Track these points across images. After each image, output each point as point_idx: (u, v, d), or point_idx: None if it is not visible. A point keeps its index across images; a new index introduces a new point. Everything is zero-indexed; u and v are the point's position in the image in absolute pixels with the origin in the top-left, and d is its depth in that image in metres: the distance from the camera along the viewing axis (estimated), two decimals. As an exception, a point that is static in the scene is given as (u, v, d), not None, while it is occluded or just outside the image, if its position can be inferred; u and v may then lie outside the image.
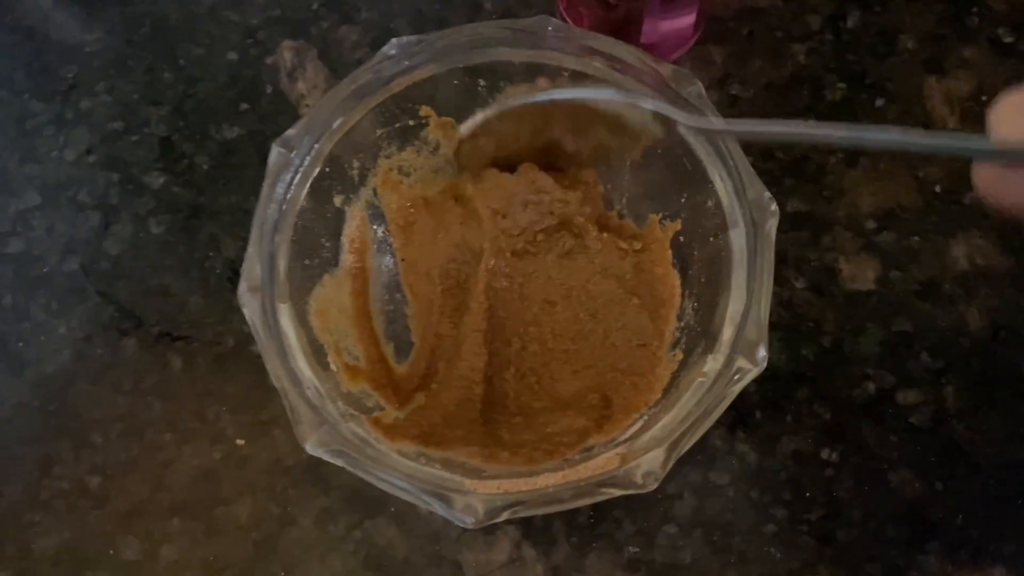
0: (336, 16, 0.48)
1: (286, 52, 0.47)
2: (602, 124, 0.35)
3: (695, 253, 0.37)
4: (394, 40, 0.36)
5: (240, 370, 0.41)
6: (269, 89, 0.46)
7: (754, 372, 0.31)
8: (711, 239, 0.35)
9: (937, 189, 0.43)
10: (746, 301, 0.32)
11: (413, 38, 0.36)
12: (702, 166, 0.35)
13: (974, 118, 0.44)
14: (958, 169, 0.43)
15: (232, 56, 0.47)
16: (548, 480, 0.31)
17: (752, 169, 0.34)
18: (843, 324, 0.41)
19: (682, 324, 0.37)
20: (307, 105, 0.46)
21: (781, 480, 0.39)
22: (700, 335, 0.35)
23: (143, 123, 0.46)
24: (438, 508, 0.30)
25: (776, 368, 0.40)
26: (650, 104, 0.33)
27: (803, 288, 0.41)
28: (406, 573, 0.38)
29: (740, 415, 0.39)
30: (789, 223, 0.42)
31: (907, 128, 0.25)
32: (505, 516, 0.30)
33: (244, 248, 0.34)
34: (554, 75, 0.37)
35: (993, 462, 0.38)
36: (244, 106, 0.46)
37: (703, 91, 0.35)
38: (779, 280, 0.41)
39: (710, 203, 0.35)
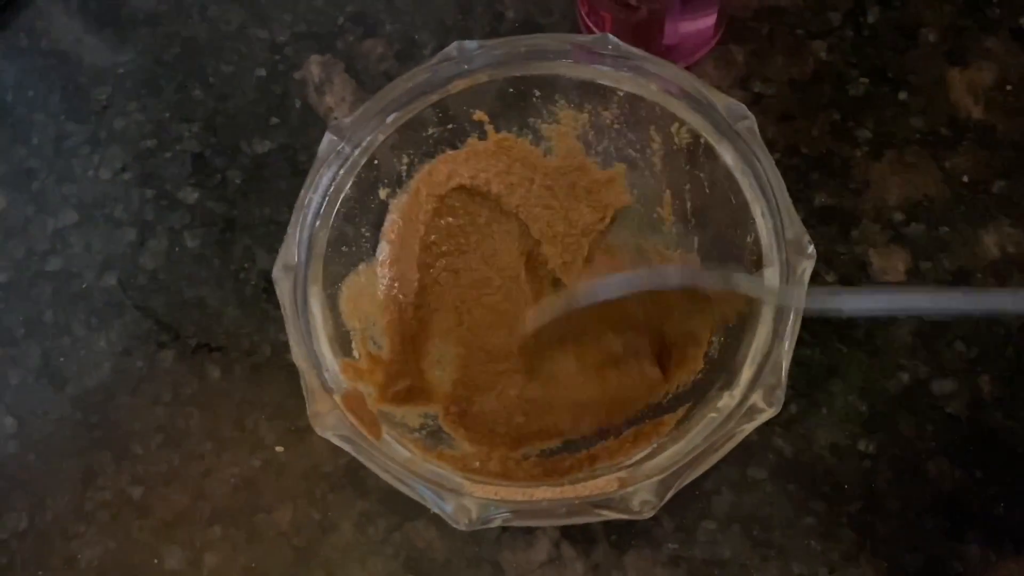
0: (361, 29, 0.49)
1: (313, 67, 0.48)
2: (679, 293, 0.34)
3: None
4: (456, 43, 0.37)
5: (277, 378, 0.42)
6: (298, 103, 0.47)
7: (768, 414, 0.31)
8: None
9: (965, 179, 0.43)
10: (770, 343, 0.32)
11: (474, 43, 0.37)
12: (745, 202, 0.34)
13: (998, 107, 0.44)
14: (985, 158, 0.43)
15: (261, 72, 0.48)
16: (545, 494, 0.32)
17: (794, 211, 0.33)
18: (875, 316, 0.41)
19: (706, 358, 0.37)
20: (335, 118, 0.47)
21: (818, 473, 0.38)
22: (720, 370, 0.34)
23: (176, 140, 0.47)
24: (434, 505, 0.31)
25: (810, 362, 0.40)
26: (745, 286, 0.32)
27: (834, 282, 0.41)
28: (446, 575, 0.38)
29: (775, 410, 0.39)
30: (817, 218, 0.43)
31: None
32: (497, 523, 0.30)
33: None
34: (608, 96, 0.37)
35: (1032, 450, 0.38)
36: (274, 120, 0.47)
37: (755, 126, 0.34)
38: (811, 275, 0.41)
39: (749, 239, 0.34)
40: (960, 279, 0.41)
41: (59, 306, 0.44)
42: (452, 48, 0.37)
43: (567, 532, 0.38)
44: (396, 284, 0.39)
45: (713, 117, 0.35)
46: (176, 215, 0.46)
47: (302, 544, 0.39)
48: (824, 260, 0.42)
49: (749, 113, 0.35)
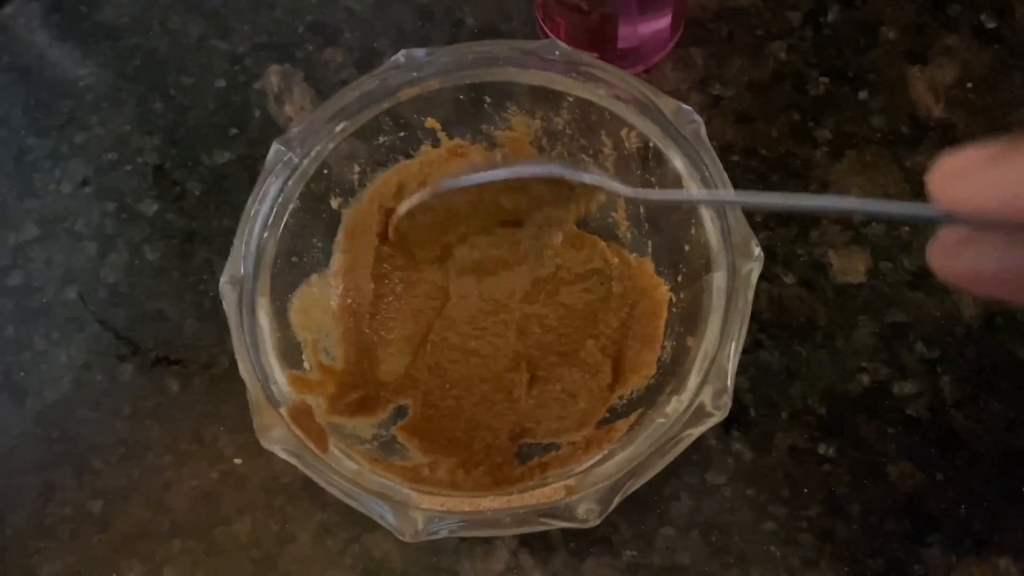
0: (320, 39, 0.49)
1: (273, 77, 0.48)
2: (545, 186, 0.34)
3: (681, 294, 0.36)
4: (404, 51, 0.37)
5: (235, 390, 0.41)
6: (257, 113, 0.47)
7: (715, 419, 0.30)
8: (695, 280, 0.35)
9: (925, 178, 0.42)
10: (717, 347, 0.32)
11: (422, 51, 0.37)
12: (696, 205, 0.34)
13: (959, 105, 0.43)
14: (946, 157, 0.42)
15: (220, 83, 0.48)
16: (492, 504, 0.31)
17: (742, 214, 0.33)
18: (835, 318, 0.40)
19: (659, 363, 0.36)
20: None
21: (778, 477, 0.38)
22: (672, 375, 0.34)
23: (136, 153, 0.47)
24: (379, 517, 0.31)
25: (769, 365, 0.40)
26: (588, 179, 0.32)
27: (793, 284, 0.41)
28: (405, 585, 0.38)
29: (735, 414, 0.39)
30: (777, 219, 0.42)
31: (864, 199, 0.24)
32: (443, 534, 0.30)
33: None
34: (558, 102, 0.37)
35: (993, 451, 0.38)
36: (233, 131, 0.47)
37: (703, 130, 0.34)
38: (769, 277, 0.41)
39: (700, 242, 0.34)
40: (920, 279, 0.41)
41: (20, 321, 0.44)
42: (400, 56, 0.37)
43: (525, 541, 0.38)
44: (351, 294, 0.39)
45: (661, 121, 0.35)
46: (136, 228, 0.45)
47: (261, 556, 0.39)
48: (783, 262, 0.41)
49: (697, 117, 0.34)
